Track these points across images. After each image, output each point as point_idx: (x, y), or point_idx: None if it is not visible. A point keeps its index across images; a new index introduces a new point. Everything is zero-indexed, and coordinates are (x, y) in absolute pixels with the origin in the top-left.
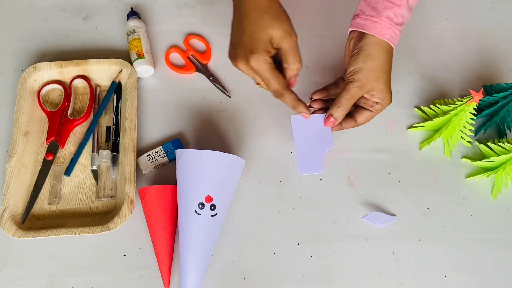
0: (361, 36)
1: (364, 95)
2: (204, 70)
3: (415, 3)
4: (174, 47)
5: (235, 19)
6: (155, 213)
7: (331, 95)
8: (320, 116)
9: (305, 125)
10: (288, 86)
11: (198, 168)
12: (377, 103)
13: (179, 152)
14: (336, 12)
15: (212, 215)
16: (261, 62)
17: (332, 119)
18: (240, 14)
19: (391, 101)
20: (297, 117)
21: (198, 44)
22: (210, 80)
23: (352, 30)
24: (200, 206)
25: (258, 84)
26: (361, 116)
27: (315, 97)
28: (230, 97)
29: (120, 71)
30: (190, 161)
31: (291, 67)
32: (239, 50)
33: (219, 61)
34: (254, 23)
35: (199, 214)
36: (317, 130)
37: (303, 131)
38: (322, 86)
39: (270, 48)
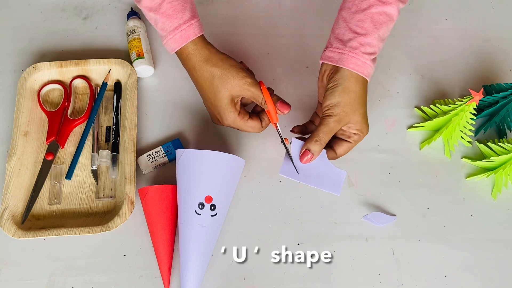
0: (336, 69)
1: (342, 127)
2: None
3: (387, 33)
4: None
5: (195, 85)
6: (155, 213)
7: (309, 131)
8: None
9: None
10: (266, 125)
11: (198, 168)
12: (354, 133)
13: (179, 152)
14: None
15: (212, 215)
16: (232, 121)
17: (309, 154)
18: (196, 82)
19: (368, 131)
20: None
21: None
22: None
23: (325, 63)
24: (200, 206)
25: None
26: (340, 148)
27: (296, 130)
28: None
29: (109, 71)
30: (190, 161)
31: (265, 106)
32: (211, 113)
33: None
34: (209, 91)
35: (199, 214)
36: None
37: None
38: None
39: (234, 105)
